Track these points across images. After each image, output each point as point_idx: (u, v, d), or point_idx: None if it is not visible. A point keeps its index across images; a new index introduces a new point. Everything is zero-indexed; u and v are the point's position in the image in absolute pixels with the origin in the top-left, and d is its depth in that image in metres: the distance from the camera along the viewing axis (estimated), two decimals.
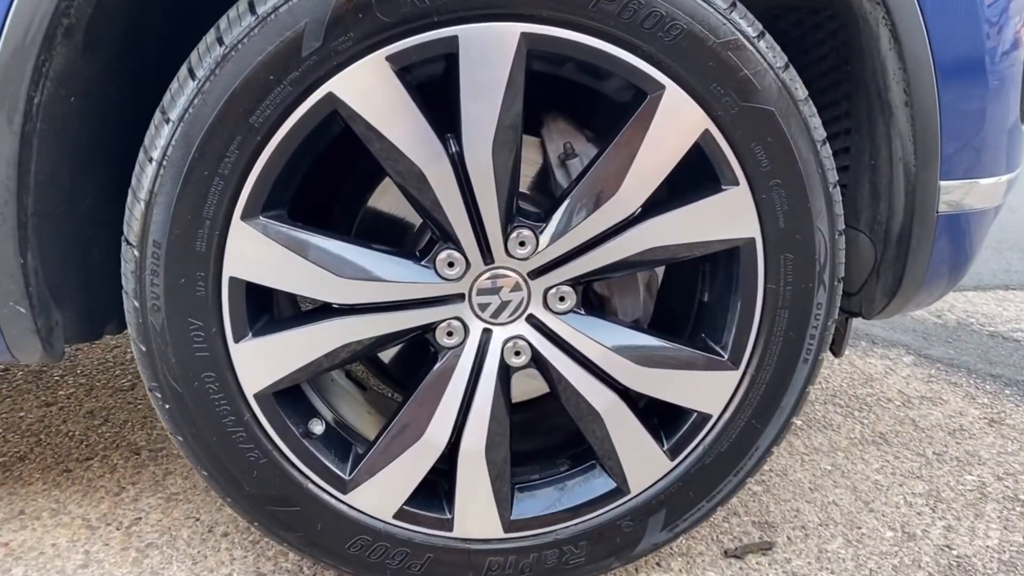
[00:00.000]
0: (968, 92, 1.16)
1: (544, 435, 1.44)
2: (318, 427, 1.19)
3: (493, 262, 1.12)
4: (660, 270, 1.38)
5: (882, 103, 1.18)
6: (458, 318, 1.15)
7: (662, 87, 1.05)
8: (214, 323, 1.07)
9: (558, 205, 1.12)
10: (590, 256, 1.13)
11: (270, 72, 0.97)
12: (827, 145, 1.12)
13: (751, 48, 1.04)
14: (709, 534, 1.47)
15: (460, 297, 1.14)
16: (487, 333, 1.17)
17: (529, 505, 1.25)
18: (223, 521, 1.48)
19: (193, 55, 1.01)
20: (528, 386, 1.42)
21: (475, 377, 1.17)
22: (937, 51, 1.11)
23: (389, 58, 0.99)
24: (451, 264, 1.11)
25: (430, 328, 1.15)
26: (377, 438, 1.18)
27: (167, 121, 0.99)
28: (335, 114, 1.01)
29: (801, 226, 1.13)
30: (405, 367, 1.54)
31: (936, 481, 1.69)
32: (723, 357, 1.19)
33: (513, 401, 1.21)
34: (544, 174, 1.27)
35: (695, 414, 1.22)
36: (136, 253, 1.03)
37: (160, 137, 1.00)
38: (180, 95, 0.99)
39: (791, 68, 1.09)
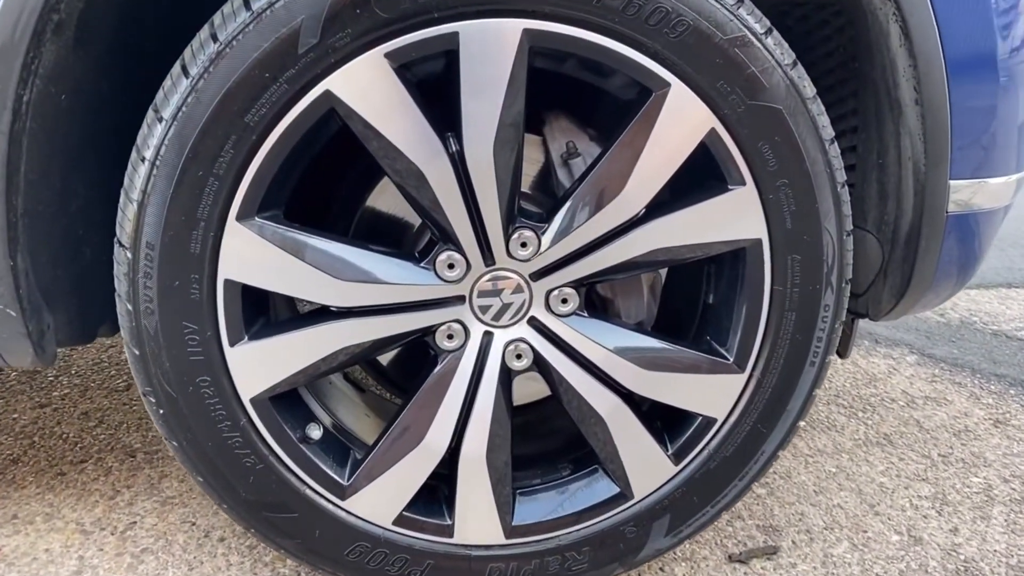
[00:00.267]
0: (979, 89, 1.14)
1: (546, 438, 1.42)
2: (316, 432, 1.17)
3: (494, 263, 1.10)
4: (663, 271, 1.36)
5: (891, 101, 1.16)
6: (458, 321, 1.12)
7: (667, 85, 1.02)
8: (209, 326, 1.04)
9: (560, 205, 1.09)
10: (593, 257, 1.10)
11: (266, 69, 0.95)
12: (835, 144, 1.10)
13: (759, 45, 1.02)
14: (713, 538, 1.45)
15: (460, 299, 1.11)
16: (488, 336, 1.14)
17: (531, 510, 1.22)
18: (220, 525, 1.46)
19: (187, 52, 0.98)
20: (529, 389, 1.40)
21: (476, 381, 1.15)
22: (948, 47, 1.09)
23: (388, 55, 0.97)
24: (451, 265, 1.09)
25: (430, 331, 1.12)
26: (376, 443, 1.16)
27: (160, 120, 0.97)
28: (332, 112, 0.99)
29: (809, 227, 1.10)
30: (404, 370, 1.52)
31: (942, 483, 1.67)
32: (728, 360, 1.17)
33: (514, 404, 1.19)
34: (546, 173, 1.25)
35: (700, 418, 1.20)
36: (129, 255, 1.01)
37: (153, 136, 0.97)
38: (173, 93, 0.96)
39: (799, 65, 1.06)
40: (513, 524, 1.20)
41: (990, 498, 1.62)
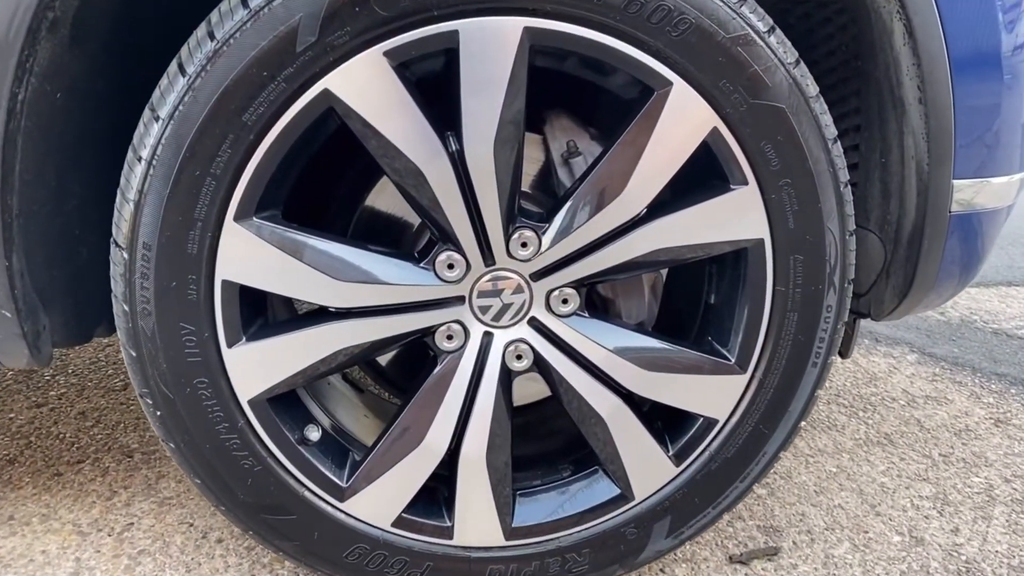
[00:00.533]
0: (983, 88, 1.13)
1: (546, 439, 1.41)
2: (314, 433, 1.16)
3: (494, 263, 1.09)
4: (664, 271, 1.35)
5: (894, 99, 1.15)
6: (458, 321, 1.12)
7: (669, 84, 1.01)
8: (206, 327, 1.03)
9: (561, 205, 1.08)
10: (594, 257, 1.10)
11: (263, 68, 0.94)
12: (838, 143, 1.09)
13: (761, 43, 1.01)
14: (714, 539, 1.45)
15: (460, 299, 1.10)
16: (488, 336, 1.13)
17: (531, 511, 1.22)
18: (217, 527, 1.45)
19: (183, 50, 0.97)
20: (529, 389, 1.39)
21: (476, 382, 1.14)
22: (952, 46, 1.08)
23: (387, 53, 0.96)
24: (451, 266, 1.08)
25: (430, 331, 1.11)
26: (375, 444, 1.15)
27: (157, 119, 0.96)
28: (331, 111, 0.98)
29: (811, 226, 1.10)
30: (403, 370, 1.51)
31: (943, 483, 1.67)
32: (730, 361, 1.17)
33: (514, 404, 1.18)
34: (547, 173, 1.24)
35: (701, 419, 1.20)
36: (125, 256, 1.00)
37: (149, 136, 0.96)
38: (170, 92, 0.95)
39: (802, 64, 1.05)
40: (513, 525, 1.20)
41: (991, 498, 1.61)
